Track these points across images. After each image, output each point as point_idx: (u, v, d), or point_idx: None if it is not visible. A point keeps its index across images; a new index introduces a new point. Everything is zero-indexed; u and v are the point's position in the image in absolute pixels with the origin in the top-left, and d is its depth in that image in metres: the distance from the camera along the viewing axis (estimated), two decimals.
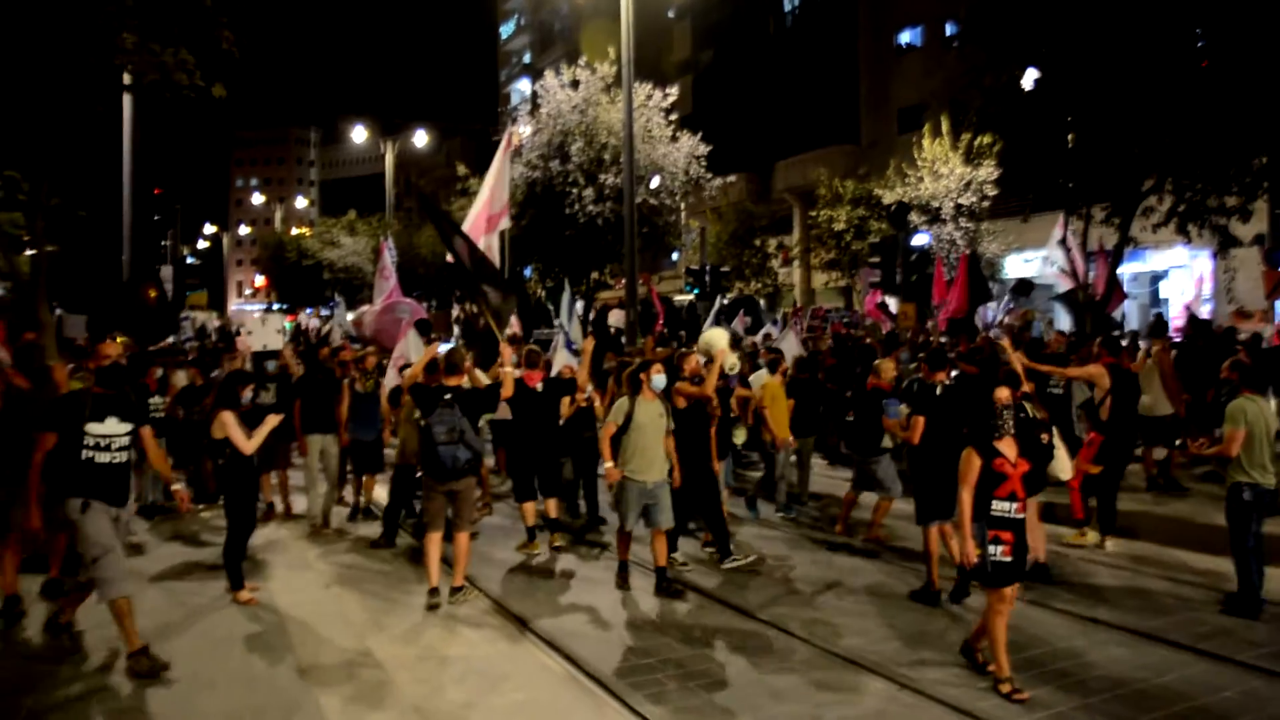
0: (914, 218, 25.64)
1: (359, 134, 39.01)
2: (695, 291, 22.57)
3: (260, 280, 64.31)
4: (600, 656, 6.79)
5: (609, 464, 8.31)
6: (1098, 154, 15.57)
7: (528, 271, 33.64)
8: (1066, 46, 15.10)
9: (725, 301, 27.16)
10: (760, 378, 11.56)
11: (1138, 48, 14.15)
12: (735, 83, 42.58)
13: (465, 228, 13.67)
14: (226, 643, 7.14)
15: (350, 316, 27.64)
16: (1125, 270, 24.46)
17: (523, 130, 28.99)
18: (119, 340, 15.47)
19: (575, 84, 27.36)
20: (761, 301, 32.27)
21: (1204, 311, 23.29)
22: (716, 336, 10.50)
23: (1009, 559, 6.03)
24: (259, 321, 16.34)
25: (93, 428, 6.55)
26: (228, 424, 8.02)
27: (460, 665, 6.74)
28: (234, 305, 68.02)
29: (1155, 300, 26.90)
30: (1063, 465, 8.37)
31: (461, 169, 31.60)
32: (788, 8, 41.02)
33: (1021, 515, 6.11)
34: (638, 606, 8.06)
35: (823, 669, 6.59)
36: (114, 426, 6.64)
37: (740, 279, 34.65)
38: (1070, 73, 15.19)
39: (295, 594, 8.36)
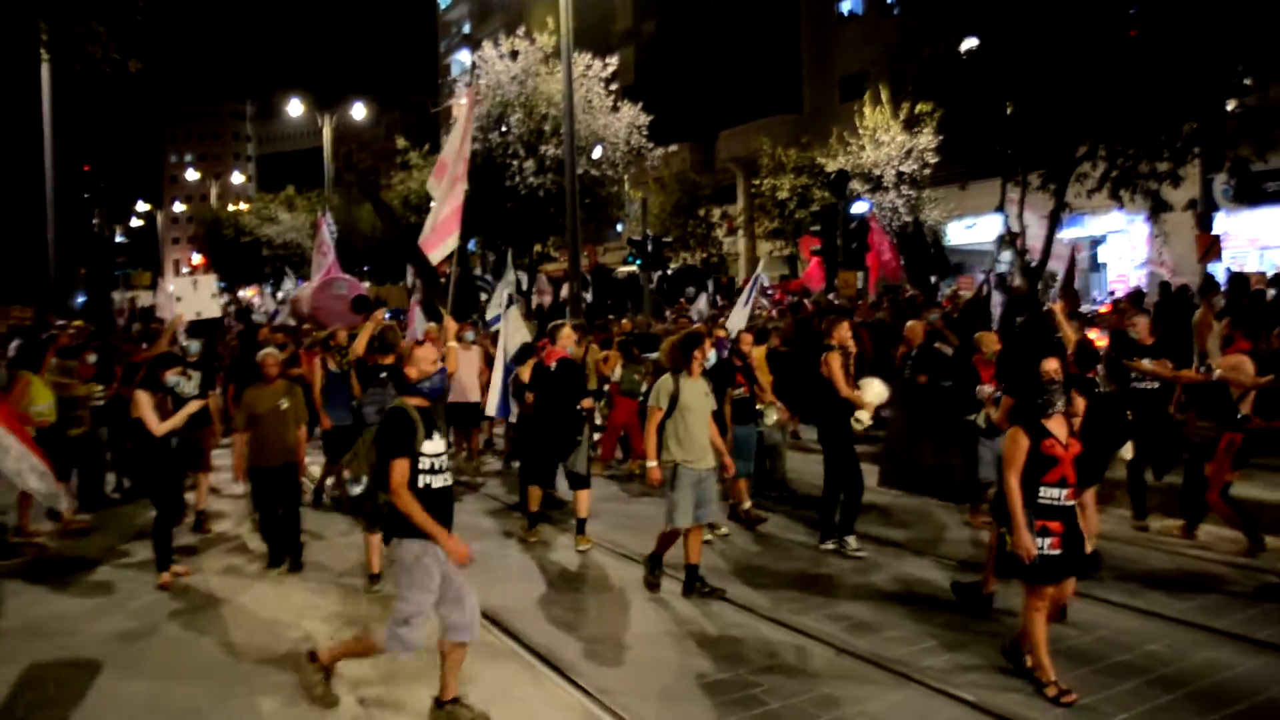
0: (856, 186, 25.74)
1: (295, 108, 38.17)
2: (638, 262, 22.48)
3: (198, 258, 62.90)
4: (543, 633, 6.74)
5: (651, 462, 7.42)
6: (1033, 121, 15.72)
7: (471, 245, 33.29)
8: (1002, 15, 15.18)
9: (669, 272, 27.16)
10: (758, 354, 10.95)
11: (1071, 17, 14.25)
12: (677, 52, 42.29)
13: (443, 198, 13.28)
14: (159, 629, 6.99)
15: (283, 294, 27.16)
16: (1064, 236, 24.83)
17: (463, 101, 28.58)
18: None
19: (514, 55, 27.00)
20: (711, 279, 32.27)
21: (1140, 276, 23.76)
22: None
23: (1058, 551, 5.43)
24: (190, 285, 14.29)
25: None
26: (141, 404, 7.90)
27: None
28: (169, 284, 66.58)
29: (1095, 265, 27.33)
30: (1126, 447, 8.02)
31: (401, 142, 31.12)
32: None
33: (1072, 503, 5.52)
34: (606, 597, 7.99)
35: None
36: None
37: (685, 249, 34.60)
38: (1006, 41, 15.28)
39: (235, 579, 8.21)
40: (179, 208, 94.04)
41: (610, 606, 7.42)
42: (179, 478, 8.52)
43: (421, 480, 5.15)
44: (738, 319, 11.77)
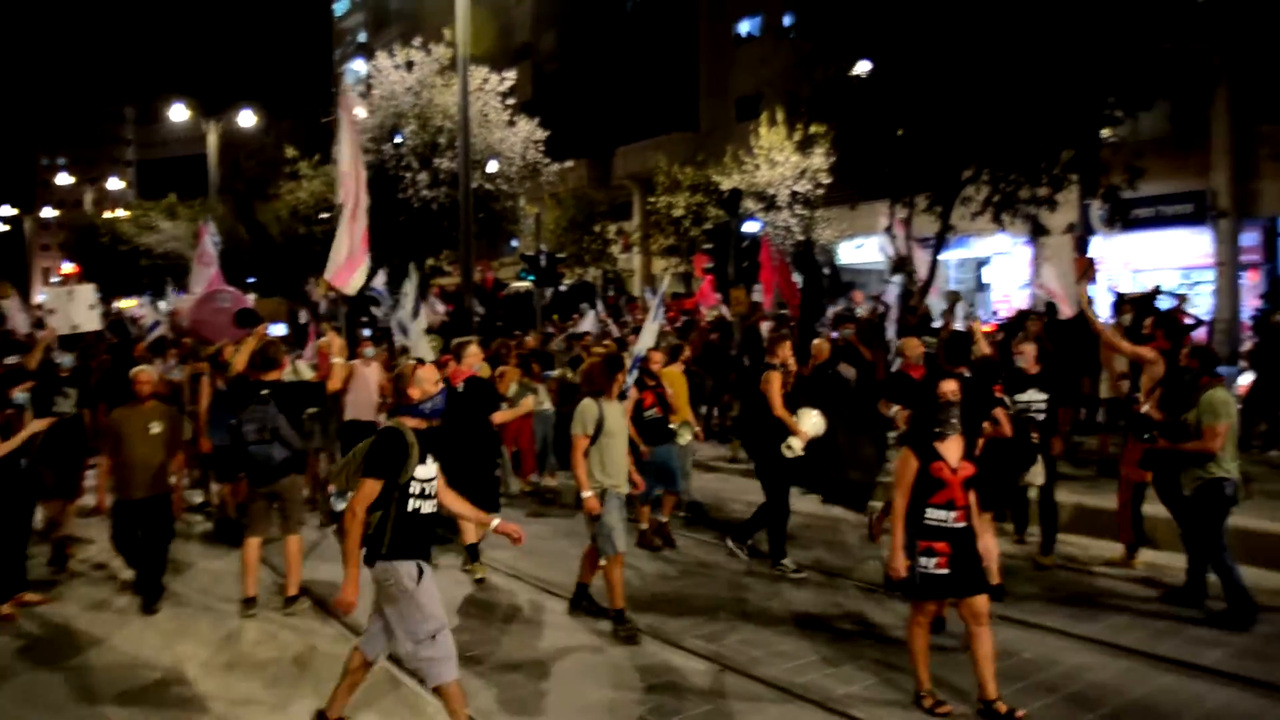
0: (749, 204, 26.04)
1: (179, 112, 36.80)
2: (531, 278, 22.30)
3: (69, 267, 60.02)
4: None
5: (587, 493, 7.05)
6: (920, 145, 16.13)
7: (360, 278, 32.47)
8: (892, 41, 15.55)
9: (563, 288, 27.00)
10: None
11: (957, 46, 14.67)
12: (576, 68, 42.29)
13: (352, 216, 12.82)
14: (10, 659, 6.52)
15: (164, 306, 25.98)
16: (951, 256, 25.60)
17: (358, 113, 27.97)
18: None
19: (410, 65, 26.57)
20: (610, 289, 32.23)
21: (1024, 297, 24.62)
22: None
23: (944, 571, 5.43)
24: (64, 296, 13.17)
25: None
26: None
27: (274, 669, 6.37)
28: (40, 295, 63.37)
29: (980, 285, 28.22)
30: (1038, 469, 8.02)
31: (291, 151, 30.26)
32: None
33: (961, 525, 5.48)
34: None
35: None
36: None
37: (580, 265, 34.51)
38: (895, 67, 15.66)
39: (97, 612, 7.74)
40: (50, 213, 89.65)
41: (505, 633, 7.26)
42: (25, 502, 7.87)
43: (411, 504, 4.97)
44: (646, 338, 11.60)
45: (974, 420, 6.74)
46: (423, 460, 5.02)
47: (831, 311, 18.59)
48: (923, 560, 5.43)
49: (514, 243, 35.45)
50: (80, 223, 61.75)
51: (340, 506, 5.07)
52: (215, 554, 9.43)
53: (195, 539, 10.13)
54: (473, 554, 8.68)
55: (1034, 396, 8.37)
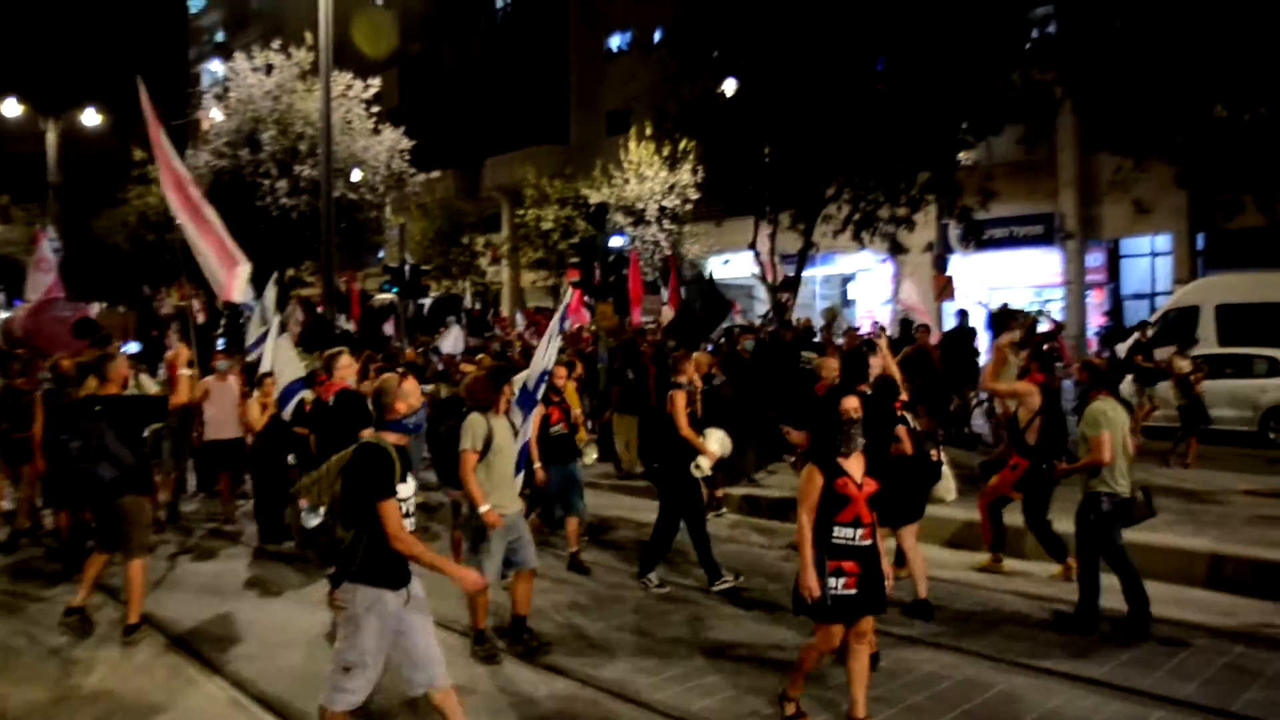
0: (619, 219, 26.12)
1: (10, 108, 34.57)
2: (394, 290, 21.79)
3: None
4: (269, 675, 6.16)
5: (484, 507, 6.67)
6: (784, 163, 16.45)
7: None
8: (757, 62, 15.82)
9: (429, 300, 26.47)
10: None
11: (821, 69, 15.03)
12: (444, 77, 41.67)
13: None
14: None
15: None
16: (816, 273, 26.24)
17: (214, 115, 26.91)
18: None
19: (269, 69, 25.70)
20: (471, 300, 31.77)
21: (885, 313, 25.41)
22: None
23: (852, 591, 5.26)
24: None
25: None
26: None
27: (106, 703, 5.96)
28: None
29: (845, 301, 29.00)
30: (948, 486, 7.80)
31: (139, 154, 28.83)
32: (499, 4, 40.64)
33: (868, 542, 5.33)
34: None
35: None
36: None
37: (448, 277, 33.98)
38: (760, 87, 15.94)
39: None
40: None
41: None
42: None
43: None
44: (550, 352, 11.16)
45: (879, 437, 6.75)
46: (403, 478, 4.80)
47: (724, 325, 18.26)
48: (832, 581, 5.24)
49: (380, 254, 34.67)
50: None
51: (314, 522, 4.66)
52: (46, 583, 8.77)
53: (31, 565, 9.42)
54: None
55: None
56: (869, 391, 7.20)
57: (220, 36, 64.94)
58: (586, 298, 18.03)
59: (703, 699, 6.00)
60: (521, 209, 30.19)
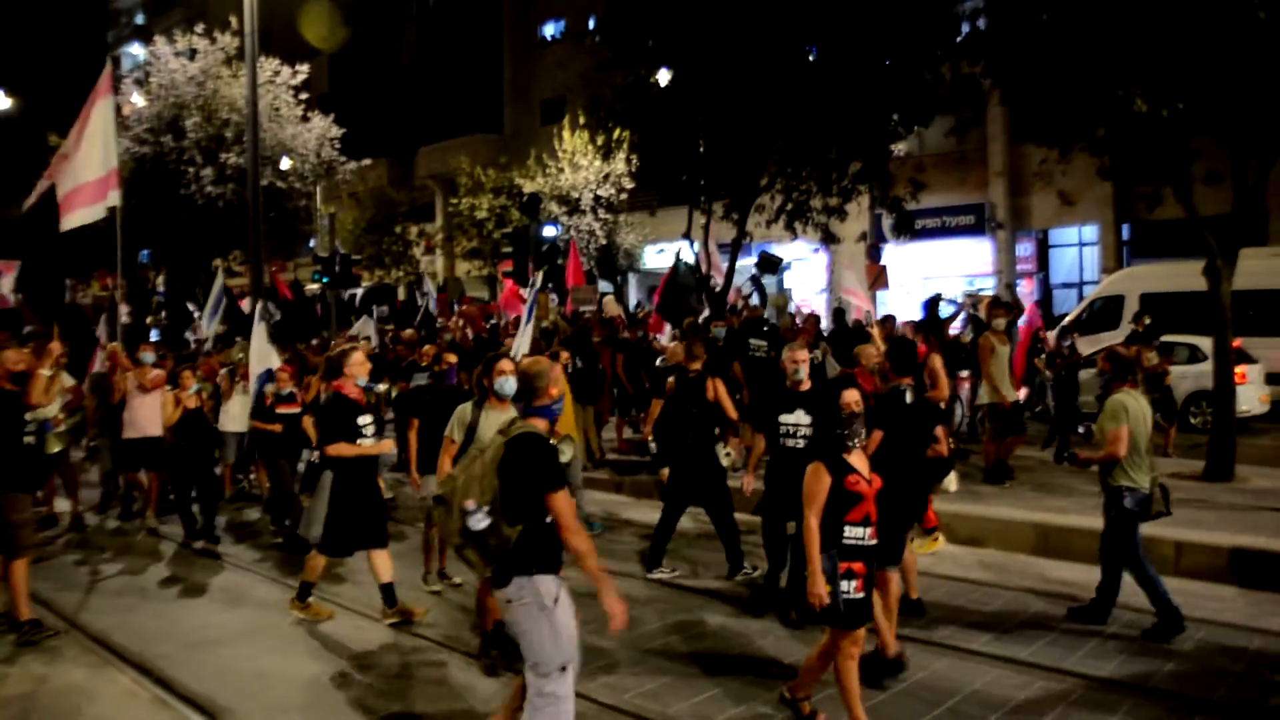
0: (554, 208, 25.99)
1: None
2: (324, 280, 21.40)
3: None
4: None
5: (425, 491, 6.55)
6: (717, 153, 16.47)
7: (144, 256, 30.44)
8: (689, 50, 15.80)
9: (361, 290, 26.09)
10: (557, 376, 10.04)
11: (752, 58, 15.06)
12: (375, 64, 41.00)
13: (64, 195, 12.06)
14: None
15: None
16: (750, 262, 26.39)
17: (135, 101, 26.12)
18: None
19: (193, 54, 25.04)
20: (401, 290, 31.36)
21: (820, 301, 25.65)
22: None
23: (861, 595, 5.00)
24: None
25: None
26: None
27: (22, 704, 5.81)
28: None
29: (780, 289, 29.19)
30: (952, 477, 7.60)
31: (54, 139, 27.90)
32: None
33: (874, 542, 5.09)
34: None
35: None
36: None
37: (381, 267, 33.53)
38: (693, 76, 15.93)
39: None
40: None
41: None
42: None
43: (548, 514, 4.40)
44: (522, 343, 10.74)
45: (919, 436, 6.66)
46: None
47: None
48: (843, 584, 4.94)
49: (311, 243, 34.07)
50: None
51: (484, 524, 4.24)
52: None
53: None
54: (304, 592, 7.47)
55: (800, 419, 7.06)
56: (912, 384, 6.74)
57: (140, 19, 63.10)
58: (521, 290, 17.91)
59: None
60: (455, 198, 29.88)
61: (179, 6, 51.51)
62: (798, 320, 16.51)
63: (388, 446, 7.57)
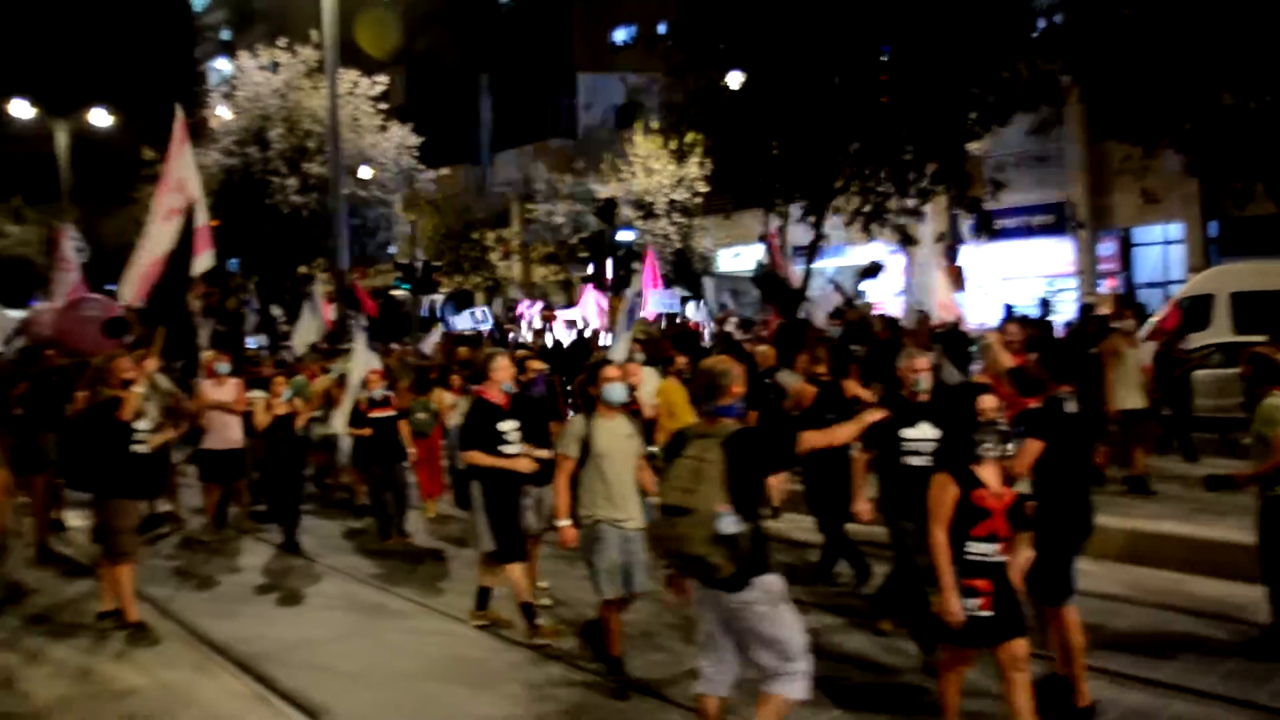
0: (628, 213, 26.16)
1: (21, 109, 34.77)
2: (406, 287, 21.87)
3: None
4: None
5: (564, 520, 6.12)
6: (792, 155, 16.43)
7: (233, 265, 31.38)
8: (762, 53, 15.80)
9: (441, 296, 26.56)
10: (650, 381, 9.39)
11: (826, 59, 15.02)
12: (450, 74, 41.71)
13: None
14: None
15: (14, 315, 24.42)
16: (827, 264, 26.21)
17: (221, 114, 27.01)
18: None
19: (275, 67, 25.78)
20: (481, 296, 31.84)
21: (897, 305, 25.32)
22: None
23: (988, 613, 4.75)
24: None
25: None
26: None
27: (133, 698, 6.08)
28: None
29: (857, 293, 28.85)
30: None
31: (149, 153, 28.96)
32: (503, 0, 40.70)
33: (1004, 558, 4.84)
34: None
35: None
36: None
37: (459, 273, 34.06)
38: (766, 78, 15.92)
39: None
40: None
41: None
42: None
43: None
44: (620, 349, 10.20)
45: (1087, 448, 6.20)
46: None
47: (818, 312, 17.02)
48: (967, 601, 4.75)
49: (390, 250, 34.81)
50: None
51: (737, 528, 4.27)
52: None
53: None
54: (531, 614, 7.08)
55: (925, 434, 6.23)
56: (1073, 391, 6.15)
57: (225, 35, 65.03)
58: (600, 294, 18.01)
59: None
60: (531, 204, 30.25)
61: (262, 21, 53.00)
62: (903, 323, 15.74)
63: (524, 465, 6.96)
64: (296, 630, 7.49)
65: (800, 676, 4.50)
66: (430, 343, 17.74)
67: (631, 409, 7.27)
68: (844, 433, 5.31)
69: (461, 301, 25.38)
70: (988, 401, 5.00)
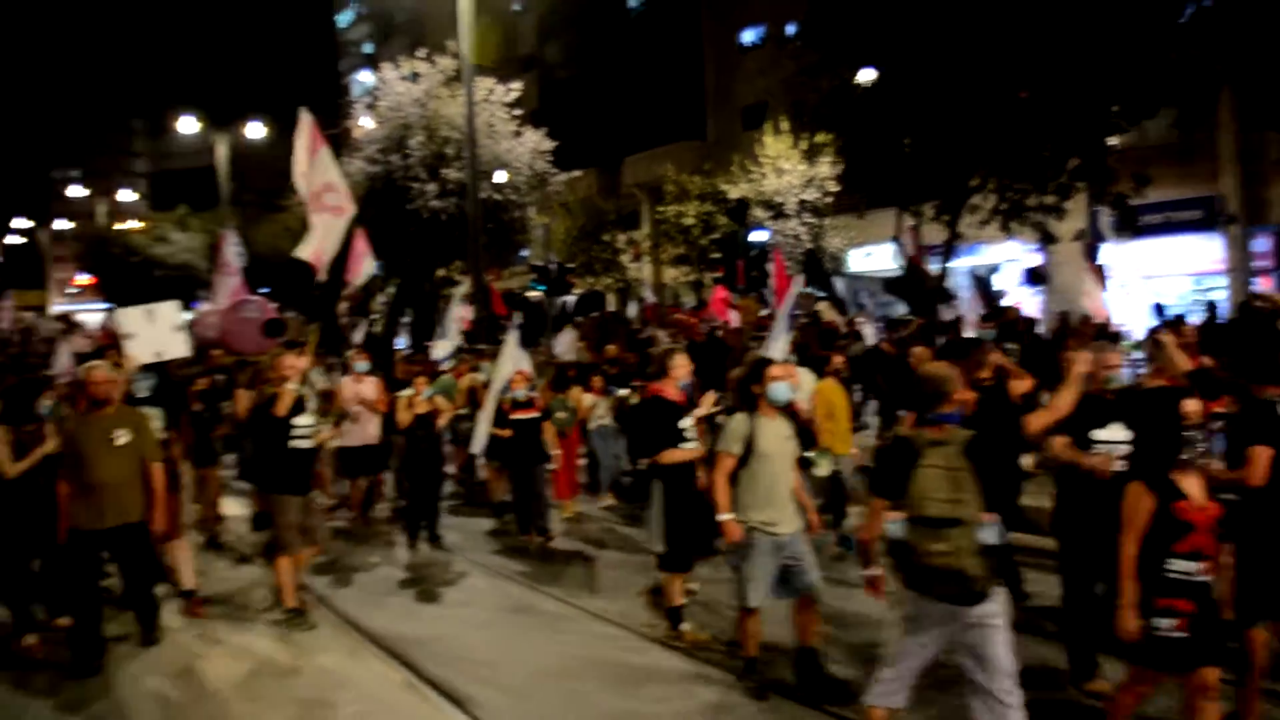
0: (759, 213, 26.11)
1: (187, 124, 37.06)
2: (541, 288, 22.36)
3: (85, 278, 60.35)
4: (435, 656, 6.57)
5: (726, 515, 5.95)
6: (927, 154, 16.15)
7: (375, 268, 32.58)
8: (896, 51, 15.59)
9: (573, 297, 27.04)
10: (806, 382, 9.16)
11: (962, 55, 14.71)
12: (582, 78, 42.42)
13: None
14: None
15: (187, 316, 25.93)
16: (961, 264, 25.61)
17: (364, 123, 28.14)
18: None
19: (415, 77, 26.72)
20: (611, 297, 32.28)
21: (1035, 303, 24.48)
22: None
23: (1184, 635, 4.39)
24: (143, 317, 10.17)
25: None
26: None
27: (295, 677, 6.56)
28: (56, 306, 63.57)
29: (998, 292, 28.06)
30: None
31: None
32: (632, 3, 41.11)
33: (1208, 578, 4.44)
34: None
35: None
36: None
37: (591, 274, 34.59)
38: (899, 76, 15.70)
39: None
40: (64, 225, 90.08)
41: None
42: (30, 528, 6.98)
43: None
44: (778, 347, 9.96)
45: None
46: None
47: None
48: (1161, 621, 4.42)
49: (524, 252, 35.57)
50: (93, 235, 62.16)
51: (996, 539, 4.22)
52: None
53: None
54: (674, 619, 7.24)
55: (1117, 435, 5.72)
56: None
57: (368, 48, 67.70)
58: (732, 295, 17.97)
59: None
60: (661, 205, 30.50)
61: (402, 34, 54.95)
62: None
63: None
64: (441, 622, 7.87)
65: (1015, 710, 4.30)
66: (563, 343, 18.02)
67: (790, 410, 6.87)
68: (1065, 399, 5.06)
69: (591, 303, 25.74)
70: (1191, 405, 4.69)
